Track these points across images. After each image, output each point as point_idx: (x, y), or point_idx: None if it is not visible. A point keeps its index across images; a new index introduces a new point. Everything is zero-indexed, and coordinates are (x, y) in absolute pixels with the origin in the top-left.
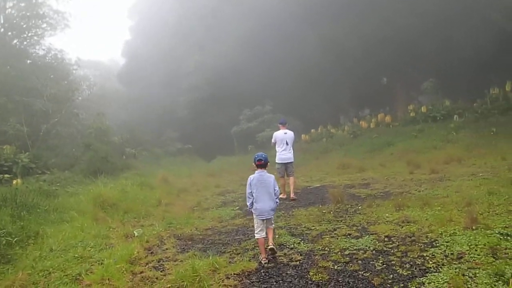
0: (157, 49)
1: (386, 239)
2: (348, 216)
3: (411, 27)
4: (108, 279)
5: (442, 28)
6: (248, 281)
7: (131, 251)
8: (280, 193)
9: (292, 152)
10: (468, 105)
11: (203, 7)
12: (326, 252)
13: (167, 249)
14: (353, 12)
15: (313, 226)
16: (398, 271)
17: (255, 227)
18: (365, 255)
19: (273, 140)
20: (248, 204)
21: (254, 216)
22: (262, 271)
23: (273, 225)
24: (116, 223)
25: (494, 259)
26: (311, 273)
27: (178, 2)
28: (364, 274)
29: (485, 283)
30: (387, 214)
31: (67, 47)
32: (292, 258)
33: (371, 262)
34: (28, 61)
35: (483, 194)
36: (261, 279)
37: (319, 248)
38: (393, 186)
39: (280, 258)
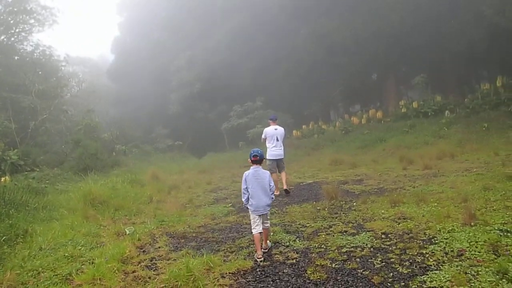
0: (147, 45)
1: (383, 236)
2: (343, 213)
3: (402, 21)
4: (100, 279)
5: (433, 22)
6: (244, 281)
7: (122, 249)
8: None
9: (283, 148)
10: (459, 101)
11: (191, 2)
12: (322, 249)
13: (159, 247)
14: (344, 7)
15: (308, 223)
16: (398, 269)
17: (251, 223)
18: (362, 252)
19: (263, 136)
20: (243, 199)
21: (250, 212)
22: (258, 270)
23: (268, 224)
24: (107, 221)
25: (495, 256)
26: (308, 272)
27: None
28: (363, 272)
29: (489, 281)
30: (382, 211)
31: (55, 43)
32: (288, 256)
33: (369, 260)
34: (16, 57)
35: (478, 190)
36: (257, 278)
37: (315, 246)
38: (386, 182)
39: (276, 256)
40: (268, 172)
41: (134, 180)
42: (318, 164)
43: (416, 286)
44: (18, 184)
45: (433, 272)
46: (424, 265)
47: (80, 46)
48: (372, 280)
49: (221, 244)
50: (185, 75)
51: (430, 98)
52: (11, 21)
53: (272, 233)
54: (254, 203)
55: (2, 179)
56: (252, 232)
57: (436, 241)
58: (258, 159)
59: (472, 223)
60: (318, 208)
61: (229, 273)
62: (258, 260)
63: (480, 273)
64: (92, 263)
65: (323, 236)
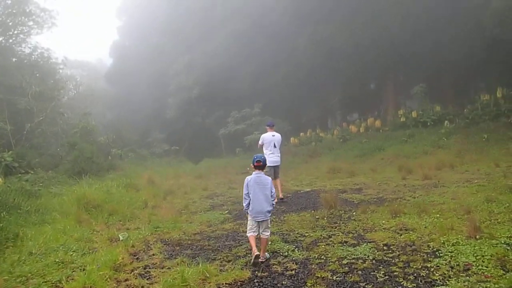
0: (146, 48)
1: (385, 247)
2: (343, 222)
3: (402, 30)
4: (91, 287)
5: (433, 32)
6: None
7: (115, 256)
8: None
9: (280, 155)
10: (458, 111)
11: (191, 5)
12: (322, 261)
13: (153, 254)
14: (343, 14)
15: (306, 232)
16: (402, 283)
17: (248, 228)
18: (364, 264)
19: (260, 142)
20: (244, 205)
21: (249, 218)
22: (255, 280)
23: (269, 234)
24: (100, 226)
25: (504, 272)
26: (308, 284)
27: (165, 2)
28: (366, 286)
29: None
30: (383, 221)
31: (54, 46)
32: (287, 267)
33: (371, 273)
34: (14, 59)
35: (481, 202)
36: None
37: (315, 257)
38: (386, 191)
39: (274, 266)
40: (270, 178)
41: (130, 184)
42: (316, 172)
43: None
44: (11, 186)
45: (439, 287)
46: (430, 279)
47: (78, 49)
48: None
49: (217, 252)
50: (183, 79)
51: (430, 108)
52: (10, 23)
53: (270, 242)
54: (254, 209)
55: None
56: (247, 235)
57: (441, 254)
58: (262, 165)
59: (477, 236)
60: (316, 217)
61: (226, 283)
62: (253, 256)
63: None
64: (84, 270)
65: (323, 246)
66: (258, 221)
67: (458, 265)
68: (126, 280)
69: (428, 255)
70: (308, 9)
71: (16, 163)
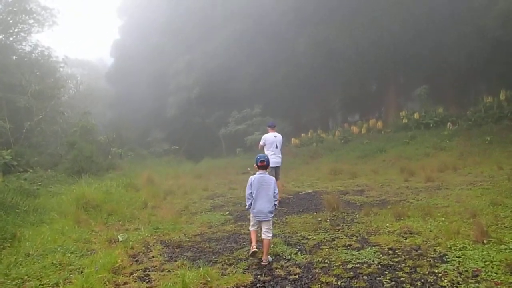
0: (146, 48)
1: (390, 251)
2: (346, 225)
3: (403, 31)
4: None
5: (434, 33)
6: None
7: (114, 258)
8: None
9: (281, 156)
10: (461, 113)
11: (191, 5)
12: (326, 265)
13: (153, 257)
14: (344, 15)
15: (309, 235)
16: None
17: (251, 225)
18: (370, 269)
19: (261, 143)
20: (247, 204)
21: (251, 216)
22: (258, 285)
23: (270, 235)
24: (99, 226)
25: None
26: None
27: (165, 2)
28: None
29: None
30: (387, 224)
31: (54, 44)
32: (290, 271)
33: (377, 278)
34: (14, 57)
35: (486, 205)
36: None
37: (318, 260)
38: (388, 193)
39: (277, 270)
40: (273, 178)
41: (129, 184)
42: (317, 173)
43: None
44: (10, 185)
45: None
46: (438, 286)
47: (79, 48)
48: None
49: (219, 255)
50: (183, 79)
51: (432, 110)
52: (10, 21)
53: (272, 245)
54: (256, 208)
55: None
56: (249, 229)
57: (448, 259)
58: (265, 165)
59: (484, 241)
60: (319, 219)
61: None
62: (251, 251)
63: None
64: (81, 272)
65: (326, 249)
66: (259, 221)
67: (466, 271)
68: (125, 283)
69: (435, 260)
70: (309, 10)
71: (15, 161)
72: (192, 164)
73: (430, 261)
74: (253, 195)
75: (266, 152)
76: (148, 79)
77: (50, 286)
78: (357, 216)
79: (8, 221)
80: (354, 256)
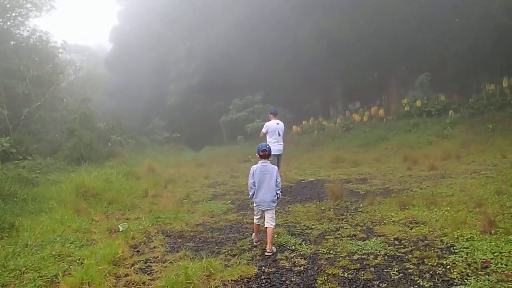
0: (146, 34)
1: (396, 242)
2: (350, 214)
3: (406, 18)
4: (88, 283)
5: (438, 20)
6: None
7: (115, 249)
8: None
9: (283, 143)
10: (463, 101)
11: None
12: (332, 256)
13: (155, 247)
14: (347, 2)
15: (313, 224)
16: (418, 282)
17: (254, 213)
18: (376, 260)
19: (264, 130)
20: (250, 194)
21: (254, 205)
22: (263, 277)
23: (273, 224)
24: (99, 216)
25: None
26: (319, 282)
27: None
28: (380, 285)
29: None
30: (392, 213)
31: (53, 30)
32: (295, 262)
33: (385, 270)
34: (12, 42)
35: (491, 194)
36: (262, 287)
37: (323, 251)
38: (392, 182)
39: (281, 262)
40: (276, 167)
41: (130, 172)
42: (319, 161)
43: None
44: (8, 173)
45: (458, 287)
46: (447, 278)
47: (78, 34)
48: None
49: (221, 245)
50: (184, 67)
51: (434, 97)
52: (8, 5)
53: (276, 235)
54: (258, 197)
55: None
56: (254, 222)
57: (456, 250)
58: (267, 154)
59: (492, 231)
60: (322, 208)
61: (232, 280)
62: (254, 243)
63: None
64: (81, 263)
65: (331, 240)
66: (262, 210)
67: (475, 262)
68: (126, 275)
69: (443, 251)
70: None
71: (13, 149)
72: (193, 152)
73: (437, 252)
74: (256, 185)
75: (268, 140)
76: (148, 66)
77: (48, 278)
78: (361, 205)
79: (6, 210)
80: (360, 247)
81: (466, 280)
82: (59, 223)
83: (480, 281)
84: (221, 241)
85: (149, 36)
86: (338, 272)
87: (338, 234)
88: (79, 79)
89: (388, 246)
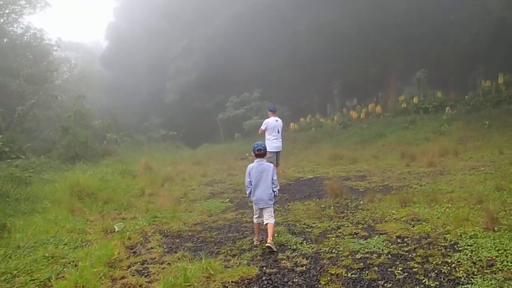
0: (142, 31)
1: (399, 240)
2: (350, 212)
3: (407, 13)
4: (83, 287)
5: (439, 14)
6: None
7: (110, 250)
8: None
9: (282, 140)
10: (460, 97)
11: None
12: (334, 255)
13: (152, 248)
14: None
15: (313, 223)
16: (424, 281)
17: (254, 212)
18: (380, 260)
19: (263, 127)
20: (247, 192)
21: (253, 204)
22: (264, 278)
23: (274, 220)
24: (95, 216)
25: None
26: (322, 282)
27: None
28: (385, 285)
29: None
30: (393, 211)
31: (47, 27)
32: (296, 262)
33: (389, 269)
34: (5, 40)
35: (491, 191)
36: None
37: (325, 250)
38: (391, 179)
39: (282, 262)
40: (272, 165)
41: (126, 170)
42: (317, 159)
43: None
44: (0, 173)
45: (465, 286)
46: (453, 277)
47: (73, 31)
48: None
49: (221, 245)
50: (181, 63)
51: (431, 94)
52: (1, 2)
53: (276, 234)
54: (256, 195)
55: None
56: (253, 221)
57: (460, 248)
58: (262, 153)
59: (495, 228)
60: (322, 206)
61: (232, 282)
62: (254, 243)
63: None
64: (76, 266)
65: (333, 238)
66: (260, 208)
67: (480, 260)
68: (122, 277)
69: (447, 249)
70: None
71: (6, 147)
72: (190, 149)
73: (441, 250)
74: (252, 183)
75: (267, 137)
76: (145, 63)
77: (41, 281)
78: (361, 202)
79: None
80: (362, 246)
81: (472, 279)
82: (52, 224)
83: (487, 279)
84: (220, 241)
85: (146, 32)
86: (342, 272)
87: (339, 232)
88: (74, 77)
89: (391, 245)
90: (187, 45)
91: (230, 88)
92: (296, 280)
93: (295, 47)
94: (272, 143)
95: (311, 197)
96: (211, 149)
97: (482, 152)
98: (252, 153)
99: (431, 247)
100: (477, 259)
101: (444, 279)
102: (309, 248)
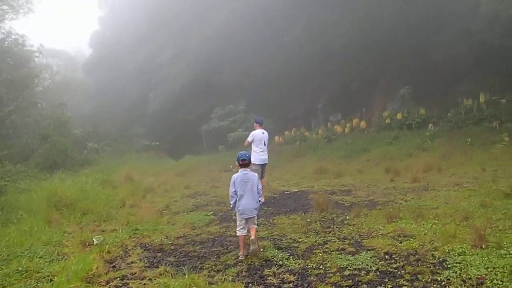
0: (127, 40)
1: (386, 256)
2: (336, 227)
3: (389, 31)
4: None
5: (423, 33)
6: None
7: (88, 264)
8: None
9: (268, 153)
10: (442, 114)
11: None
12: (322, 271)
13: (132, 262)
14: (333, 11)
15: (300, 237)
16: None
17: (237, 224)
18: (368, 276)
19: (249, 139)
20: (231, 203)
21: (237, 215)
22: None
23: (256, 225)
24: (73, 227)
25: None
26: None
27: None
28: None
29: None
30: (380, 226)
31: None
32: (283, 278)
33: (378, 287)
34: None
35: (476, 207)
36: None
37: (312, 266)
38: (376, 194)
39: (269, 278)
40: (256, 174)
41: (106, 180)
42: (302, 172)
43: None
44: None
45: None
46: None
47: (56, 39)
48: None
49: (204, 260)
50: (166, 73)
51: (414, 111)
52: None
53: (262, 249)
54: (241, 205)
55: None
56: (237, 234)
57: (449, 266)
58: (247, 163)
59: (483, 245)
60: (308, 220)
61: None
62: (240, 258)
63: None
64: (51, 281)
65: (320, 254)
66: (246, 218)
67: (470, 278)
68: None
69: (435, 266)
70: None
71: None
72: (173, 160)
73: (430, 267)
74: (237, 193)
75: (254, 149)
76: (128, 73)
77: None
78: (347, 217)
79: None
80: (350, 262)
81: None
82: (27, 235)
83: None
84: (204, 255)
85: (130, 41)
86: None
87: (326, 248)
88: (56, 84)
89: (379, 261)
90: (171, 56)
91: (215, 99)
92: None
93: (279, 61)
94: (259, 155)
95: (296, 211)
96: (194, 160)
97: (465, 169)
98: (236, 163)
99: (419, 264)
100: (467, 277)
101: None
102: (295, 264)
